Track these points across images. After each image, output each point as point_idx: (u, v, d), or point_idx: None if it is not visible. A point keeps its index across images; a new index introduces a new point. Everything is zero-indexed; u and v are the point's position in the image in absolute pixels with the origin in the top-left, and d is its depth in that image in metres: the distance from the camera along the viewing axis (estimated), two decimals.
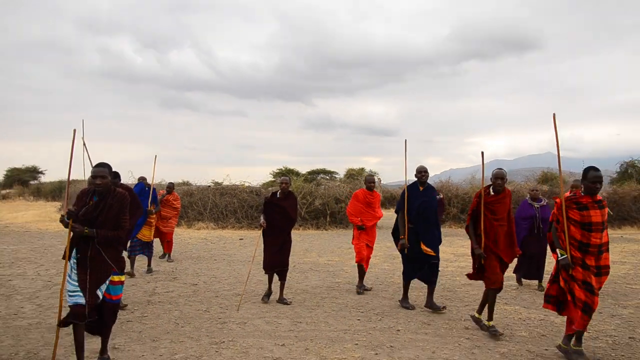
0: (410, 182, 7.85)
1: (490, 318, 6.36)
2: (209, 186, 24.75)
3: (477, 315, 6.59)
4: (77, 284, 4.62)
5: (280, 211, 7.94)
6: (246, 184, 24.19)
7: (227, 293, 8.55)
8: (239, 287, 9.01)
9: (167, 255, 12.61)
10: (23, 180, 48.40)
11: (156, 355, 5.34)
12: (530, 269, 9.59)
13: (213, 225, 21.73)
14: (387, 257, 13.25)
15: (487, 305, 6.45)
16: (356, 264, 9.10)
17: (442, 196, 16.41)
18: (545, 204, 10.04)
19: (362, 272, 8.99)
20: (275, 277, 8.13)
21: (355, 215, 9.06)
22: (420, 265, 7.57)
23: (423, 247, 7.47)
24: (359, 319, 6.96)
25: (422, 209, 7.53)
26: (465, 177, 28.61)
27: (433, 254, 7.49)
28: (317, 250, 15.03)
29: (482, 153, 6.78)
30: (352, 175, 29.62)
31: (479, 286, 9.24)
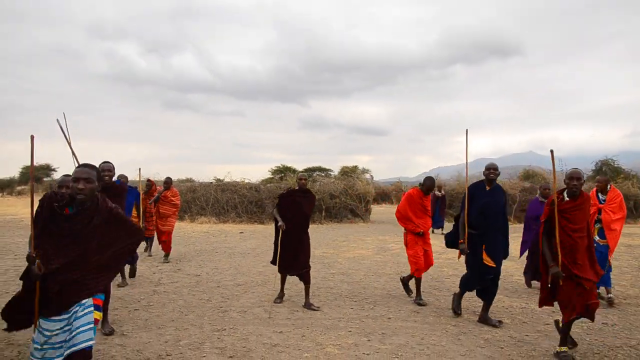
0: (475, 182, 6.61)
1: (563, 343, 5.08)
2: (211, 183, 24.70)
3: (559, 349, 5.07)
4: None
5: (296, 206, 7.17)
6: (246, 181, 24.18)
7: (228, 283, 8.54)
8: (239, 278, 9.01)
9: (165, 256, 11.00)
10: (37, 177, 48.26)
11: (162, 342, 5.33)
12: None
13: (215, 220, 21.69)
14: (379, 250, 13.27)
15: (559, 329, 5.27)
16: (413, 275, 7.50)
17: (443, 193, 15.94)
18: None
19: (418, 283, 7.43)
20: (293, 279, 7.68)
21: (408, 219, 7.56)
22: (483, 276, 6.25)
23: (484, 256, 6.16)
24: (352, 308, 6.96)
25: (486, 211, 6.21)
26: (452, 175, 28.72)
27: (493, 265, 6.14)
28: (312, 243, 15.00)
29: (552, 151, 5.16)
30: (345, 172, 29.58)
31: None
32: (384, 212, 30.35)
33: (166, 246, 10.99)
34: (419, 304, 7.17)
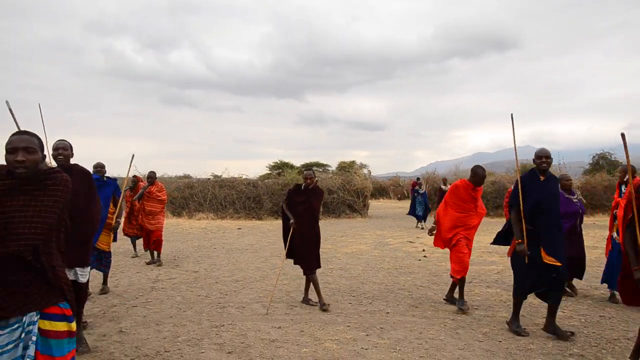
0: (526, 172, 5.88)
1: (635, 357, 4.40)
2: (209, 179, 24.68)
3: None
4: None
5: (304, 202, 6.86)
6: (243, 177, 24.16)
7: (227, 279, 8.54)
8: (237, 274, 9.01)
9: (156, 257, 10.33)
10: None
11: (160, 338, 5.33)
12: (570, 274, 7.28)
13: (213, 216, 21.69)
14: (377, 245, 13.27)
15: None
16: (453, 277, 6.71)
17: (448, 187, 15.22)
18: (579, 197, 7.67)
19: (462, 285, 6.66)
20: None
21: (452, 213, 6.68)
22: (540, 278, 5.45)
23: (544, 254, 5.38)
24: (350, 303, 6.97)
25: (543, 205, 5.44)
26: (449, 169, 28.77)
27: (558, 263, 5.34)
28: None
29: (623, 135, 4.09)
30: (343, 167, 29.58)
31: None
32: (382, 207, 30.40)
33: (157, 245, 10.28)
34: (462, 310, 6.47)
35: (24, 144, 2.59)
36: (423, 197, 18.64)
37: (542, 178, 5.56)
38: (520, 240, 5.41)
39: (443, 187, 17.15)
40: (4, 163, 2.63)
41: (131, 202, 10.58)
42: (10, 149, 2.58)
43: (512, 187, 5.82)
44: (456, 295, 6.87)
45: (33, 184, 2.57)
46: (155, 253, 10.36)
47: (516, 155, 5.89)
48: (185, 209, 22.12)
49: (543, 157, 5.52)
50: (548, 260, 5.35)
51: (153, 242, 10.26)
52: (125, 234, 10.84)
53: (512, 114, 5.71)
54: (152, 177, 10.32)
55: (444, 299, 7.08)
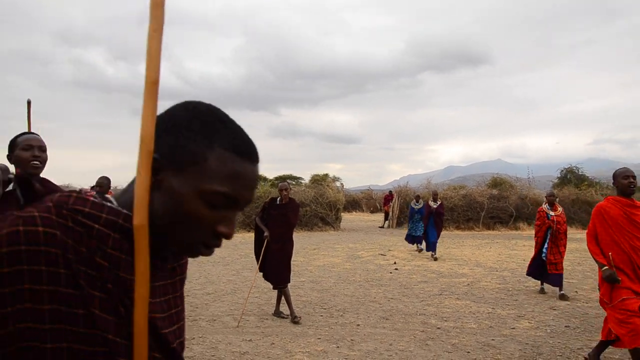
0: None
1: None
2: None
3: None
4: None
5: (281, 217, 6.82)
6: None
7: (198, 292, 8.49)
8: (208, 287, 8.96)
9: None
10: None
11: None
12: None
13: None
14: (349, 257, 13.33)
15: None
16: (608, 343, 4.84)
17: (439, 203, 13.59)
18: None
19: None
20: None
21: (605, 249, 4.65)
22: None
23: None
24: (321, 315, 7.00)
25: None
26: (421, 182, 29.08)
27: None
28: None
29: None
30: (316, 180, 29.68)
31: (434, 283, 9.43)
32: (355, 220, 30.52)
33: None
34: None
35: (38, 142, 2.79)
36: (420, 213, 14.59)
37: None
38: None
39: (432, 203, 13.90)
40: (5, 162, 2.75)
41: None
42: (27, 146, 2.73)
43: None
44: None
45: None
46: None
47: None
48: None
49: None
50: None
51: None
52: None
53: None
54: (103, 184, 7.26)
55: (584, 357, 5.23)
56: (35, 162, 2.72)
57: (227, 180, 0.87)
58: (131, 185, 0.93)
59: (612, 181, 4.80)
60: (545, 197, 8.92)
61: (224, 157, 0.87)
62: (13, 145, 2.78)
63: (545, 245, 8.32)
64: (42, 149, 2.81)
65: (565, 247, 8.44)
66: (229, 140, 0.89)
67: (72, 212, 0.85)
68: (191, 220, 0.88)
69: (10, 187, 2.47)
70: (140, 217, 0.85)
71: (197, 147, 0.87)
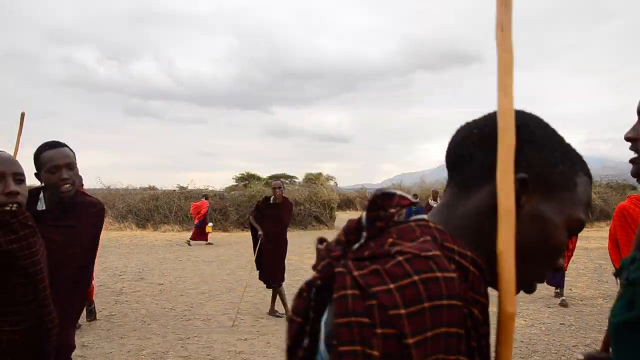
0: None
1: None
2: (174, 190, 24.41)
3: None
4: None
5: (274, 216, 6.86)
6: (210, 189, 23.99)
7: (192, 292, 8.46)
8: (203, 286, 8.94)
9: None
10: None
11: (124, 352, 5.25)
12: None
13: (178, 228, 21.42)
14: None
15: None
16: None
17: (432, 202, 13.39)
18: None
19: None
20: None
21: (624, 255, 4.68)
22: None
23: None
24: None
25: None
26: (415, 181, 29.17)
27: None
28: None
29: None
30: (310, 179, 29.67)
31: None
32: (348, 218, 30.56)
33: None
34: None
35: (65, 160, 2.32)
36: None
37: None
38: None
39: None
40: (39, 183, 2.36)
41: None
42: (53, 168, 2.28)
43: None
44: None
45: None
46: None
47: None
48: (150, 221, 21.78)
49: None
50: None
51: None
52: None
53: None
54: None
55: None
56: (66, 186, 2.31)
57: (586, 207, 0.79)
58: (453, 205, 0.80)
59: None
60: None
61: (584, 181, 0.79)
62: (38, 162, 2.36)
63: None
64: (71, 166, 2.34)
65: (574, 246, 7.80)
66: (583, 163, 0.80)
67: (448, 249, 0.69)
68: (556, 251, 0.77)
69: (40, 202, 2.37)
70: (509, 261, 0.70)
71: (565, 169, 0.77)
